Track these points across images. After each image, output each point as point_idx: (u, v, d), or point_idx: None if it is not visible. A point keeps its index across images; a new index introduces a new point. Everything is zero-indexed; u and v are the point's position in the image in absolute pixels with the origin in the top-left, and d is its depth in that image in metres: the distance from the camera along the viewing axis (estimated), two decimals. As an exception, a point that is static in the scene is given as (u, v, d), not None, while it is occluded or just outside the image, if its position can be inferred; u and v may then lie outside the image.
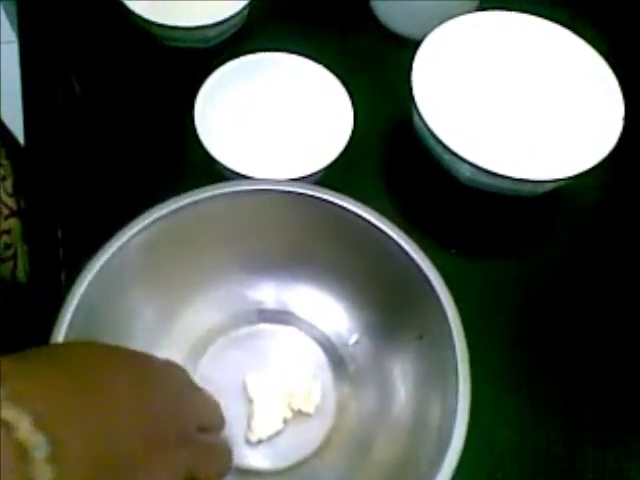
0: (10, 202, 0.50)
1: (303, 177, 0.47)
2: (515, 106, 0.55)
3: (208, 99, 0.50)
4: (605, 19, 0.62)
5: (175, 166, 0.53)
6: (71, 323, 0.37)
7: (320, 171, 0.48)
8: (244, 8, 0.56)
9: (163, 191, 0.42)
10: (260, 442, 0.43)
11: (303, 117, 0.53)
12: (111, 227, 0.41)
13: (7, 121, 0.58)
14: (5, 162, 0.51)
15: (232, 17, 0.55)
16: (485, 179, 0.48)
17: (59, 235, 0.50)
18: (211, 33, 0.56)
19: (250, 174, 0.47)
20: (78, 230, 0.50)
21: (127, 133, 0.55)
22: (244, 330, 0.47)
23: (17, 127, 0.56)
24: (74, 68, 0.58)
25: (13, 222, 0.50)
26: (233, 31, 0.59)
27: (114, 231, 0.40)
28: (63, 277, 0.48)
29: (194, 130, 0.48)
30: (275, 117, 0.52)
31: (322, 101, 0.52)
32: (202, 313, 0.46)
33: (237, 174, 0.47)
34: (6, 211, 0.49)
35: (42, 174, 0.53)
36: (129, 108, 0.56)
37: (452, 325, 0.39)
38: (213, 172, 0.49)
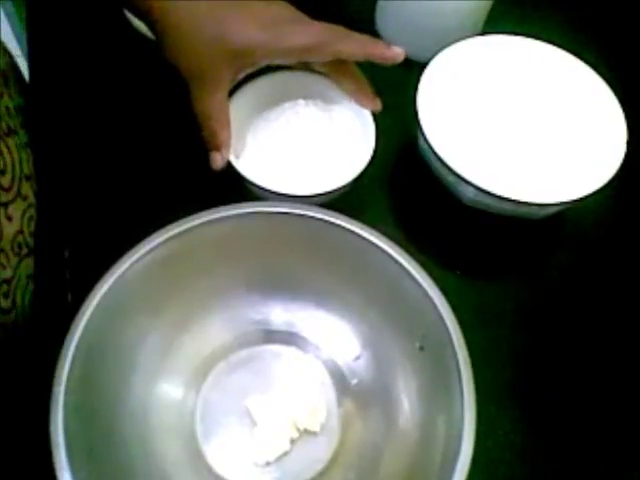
0: (31, 241, 0.49)
1: (314, 196, 0.47)
2: (519, 129, 0.55)
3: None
4: (609, 44, 0.63)
5: (185, 184, 0.53)
6: (76, 350, 0.37)
7: (334, 191, 0.48)
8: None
9: (176, 208, 0.43)
10: (268, 464, 0.43)
11: (322, 137, 0.52)
12: (118, 249, 0.41)
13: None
14: (34, 201, 0.50)
15: None
16: (489, 201, 0.49)
17: (66, 255, 0.50)
18: None
19: (264, 185, 0.47)
20: (85, 250, 0.51)
21: (134, 149, 0.55)
22: (247, 352, 0.47)
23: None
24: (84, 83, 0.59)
25: (28, 262, 0.49)
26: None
27: (121, 253, 0.40)
28: (69, 298, 0.48)
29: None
30: (293, 132, 0.52)
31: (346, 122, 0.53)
32: (206, 336, 0.46)
33: (255, 185, 0.47)
34: (25, 250, 0.48)
35: (50, 194, 0.53)
36: (136, 126, 0.56)
37: (452, 334, 0.39)
38: (227, 185, 0.48)
